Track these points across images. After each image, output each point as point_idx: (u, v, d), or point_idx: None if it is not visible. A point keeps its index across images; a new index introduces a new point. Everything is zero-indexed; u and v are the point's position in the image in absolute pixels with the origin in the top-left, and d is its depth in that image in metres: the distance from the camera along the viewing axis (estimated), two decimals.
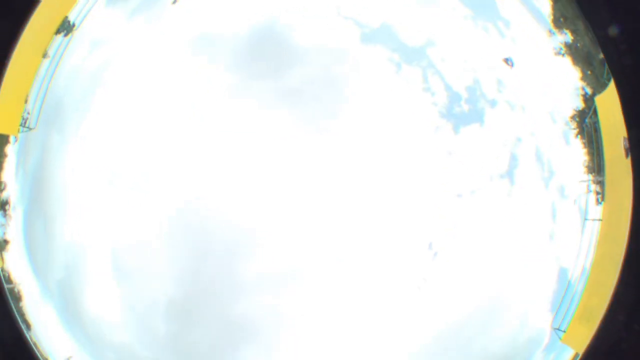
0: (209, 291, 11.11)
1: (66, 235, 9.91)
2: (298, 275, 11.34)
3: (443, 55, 11.09)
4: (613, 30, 1.35)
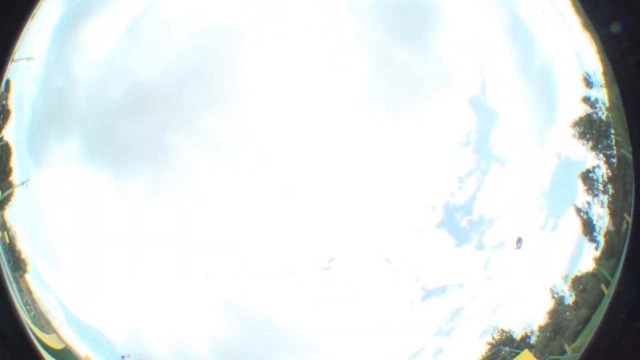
0: None
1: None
2: None
3: None
4: (615, 28, 1.34)
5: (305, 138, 13.43)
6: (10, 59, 1.49)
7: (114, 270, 11.46)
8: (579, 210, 13.39)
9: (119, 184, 12.28)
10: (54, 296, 9.09)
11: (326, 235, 14.43)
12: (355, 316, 14.21)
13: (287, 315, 14.18)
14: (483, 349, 14.06)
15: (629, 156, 1.42)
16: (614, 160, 10.92)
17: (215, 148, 13.30)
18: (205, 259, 12.89)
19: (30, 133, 9.77)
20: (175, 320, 12.51)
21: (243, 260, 13.39)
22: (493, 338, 15.51)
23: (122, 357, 10.13)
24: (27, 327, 1.66)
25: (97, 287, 10.85)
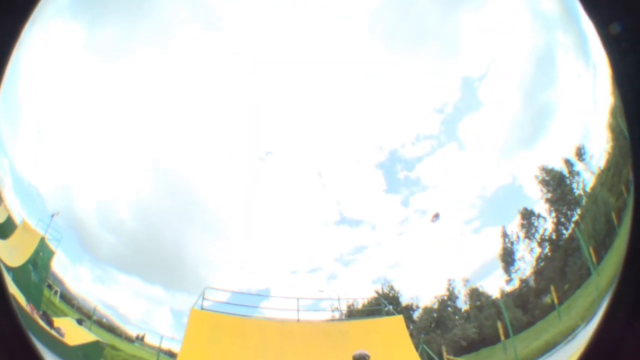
0: None
1: None
2: None
3: None
4: (615, 28, 1.34)
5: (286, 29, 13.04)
6: (10, 59, 1.49)
7: (51, 123, 11.20)
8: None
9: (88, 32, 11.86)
10: None
11: (273, 127, 14.29)
12: (271, 212, 14.22)
13: (212, 194, 14.22)
14: (369, 294, 14.46)
15: (629, 156, 1.42)
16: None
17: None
18: (147, 121, 12.69)
19: None
20: (104, 180, 12.53)
21: (184, 130, 13.25)
22: (382, 290, 15.80)
23: (52, 215, 10.55)
24: (27, 327, 1.65)
25: (33, 140, 10.64)
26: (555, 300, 12.99)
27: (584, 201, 13.53)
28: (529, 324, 13.50)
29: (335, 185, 14.85)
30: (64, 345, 9.00)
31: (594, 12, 1.35)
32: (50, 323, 9.17)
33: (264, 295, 12.55)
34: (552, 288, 13.09)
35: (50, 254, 10.55)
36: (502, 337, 13.11)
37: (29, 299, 9.26)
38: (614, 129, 10.46)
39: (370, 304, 14.21)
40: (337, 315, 13.53)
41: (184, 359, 9.42)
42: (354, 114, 13.98)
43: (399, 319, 12.63)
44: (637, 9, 1.29)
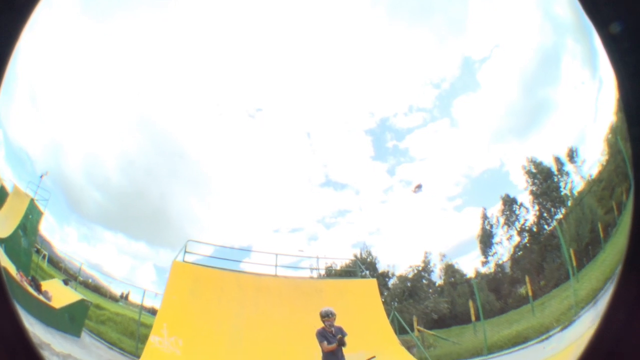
0: None
1: None
2: None
3: None
4: (615, 28, 1.34)
5: None
6: (11, 59, 1.48)
7: (37, 81, 11.18)
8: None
9: None
10: None
11: (265, 84, 14.19)
12: (258, 170, 14.22)
13: (199, 150, 14.24)
14: (347, 257, 14.77)
15: (629, 156, 1.42)
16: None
17: None
18: (137, 74, 12.61)
19: None
20: (92, 135, 12.54)
21: (174, 84, 13.16)
22: (360, 255, 16.11)
23: (41, 176, 10.75)
24: (26, 326, 1.65)
25: (22, 101, 10.67)
26: (530, 293, 13.09)
27: (569, 202, 13.52)
28: (502, 310, 13.62)
29: (323, 147, 14.84)
30: (51, 309, 9.32)
31: (594, 12, 1.35)
32: (38, 288, 9.45)
33: (245, 250, 12.84)
34: (527, 279, 13.16)
35: (39, 215, 10.78)
36: (473, 318, 13.22)
37: (19, 267, 9.47)
38: (612, 146, 10.47)
39: (347, 267, 14.40)
40: (314, 275, 13.77)
41: (166, 309, 9.81)
42: (349, 78, 13.87)
43: (373, 282, 13.15)
44: (637, 9, 1.29)
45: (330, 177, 14.83)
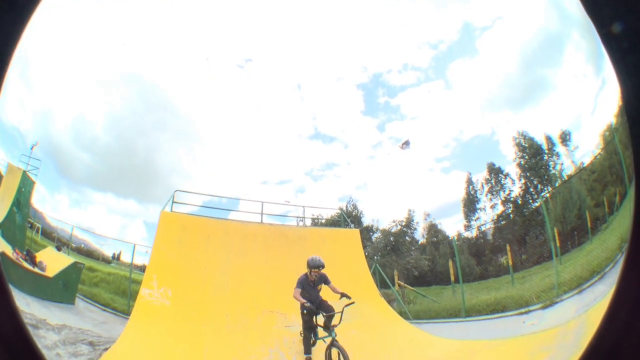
0: None
1: None
2: None
3: None
4: (615, 28, 1.34)
5: None
6: (11, 59, 1.48)
7: (24, 46, 11.19)
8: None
9: None
10: None
11: (256, 34, 14.06)
12: (246, 121, 14.21)
13: (187, 101, 14.24)
14: (333, 210, 15.01)
15: (630, 156, 1.42)
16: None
17: None
18: (122, 24, 12.51)
19: None
20: (79, 94, 12.54)
21: (161, 34, 12.99)
22: (346, 208, 16.44)
23: (32, 147, 10.93)
24: (26, 326, 1.65)
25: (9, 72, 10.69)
26: (510, 263, 13.21)
27: (557, 183, 13.56)
28: (482, 277, 13.75)
29: (313, 99, 14.84)
30: (46, 279, 9.45)
31: (594, 12, 1.35)
32: (33, 260, 9.57)
33: (232, 199, 13.07)
34: (508, 247, 13.28)
35: (30, 185, 10.91)
36: (452, 278, 13.38)
37: (14, 245, 9.61)
38: (609, 145, 10.49)
39: (332, 219, 14.57)
40: (300, 224, 13.97)
41: (155, 261, 10.02)
42: (344, 31, 13.84)
43: (356, 232, 13.43)
44: (638, 8, 1.29)
45: (319, 129, 14.88)
